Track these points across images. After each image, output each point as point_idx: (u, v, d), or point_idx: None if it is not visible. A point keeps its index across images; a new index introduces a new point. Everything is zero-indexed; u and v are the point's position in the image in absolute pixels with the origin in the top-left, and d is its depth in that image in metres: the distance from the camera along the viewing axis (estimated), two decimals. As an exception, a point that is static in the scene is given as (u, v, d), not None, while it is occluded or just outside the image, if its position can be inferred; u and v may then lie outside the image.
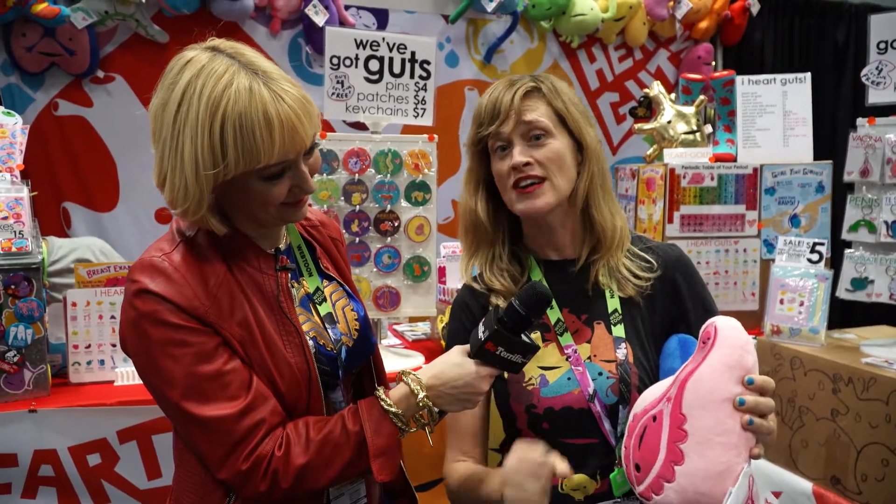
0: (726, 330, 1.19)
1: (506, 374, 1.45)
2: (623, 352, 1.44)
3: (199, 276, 1.23)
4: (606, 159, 1.54)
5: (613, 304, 1.48)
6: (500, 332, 1.25)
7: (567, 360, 1.45)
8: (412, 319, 3.13)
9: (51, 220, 3.67)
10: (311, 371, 1.29)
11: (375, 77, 2.63)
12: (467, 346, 1.31)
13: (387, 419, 1.26)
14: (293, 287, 1.36)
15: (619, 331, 1.46)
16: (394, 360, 2.56)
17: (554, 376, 1.44)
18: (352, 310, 1.46)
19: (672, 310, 1.50)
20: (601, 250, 1.50)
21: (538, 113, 1.44)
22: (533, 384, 1.45)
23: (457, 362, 1.29)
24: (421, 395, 1.27)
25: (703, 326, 1.23)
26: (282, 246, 1.38)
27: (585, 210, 1.51)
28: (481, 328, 1.29)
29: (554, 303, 1.49)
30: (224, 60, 1.20)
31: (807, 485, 2.30)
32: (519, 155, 1.43)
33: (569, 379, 1.43)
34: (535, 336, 1.46)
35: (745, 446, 1.15)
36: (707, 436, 1.14)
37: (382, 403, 1.27)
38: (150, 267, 1.22)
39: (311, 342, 1.31)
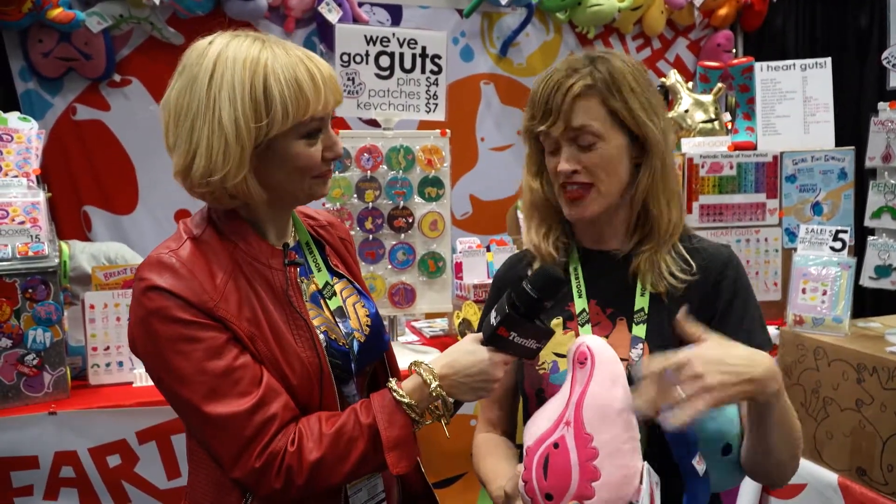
0: (599, 348, 1.24)
1: (547, 366, 1.43)
2: (638, 352, 1.39)
3: (207, 271, 1.22)
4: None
5: (641, 302, 1.42)
6: (512, 316, 1.23)
7: None
8: (429, 316, 3.10)
9: (72, 224, 3.72)
10: (322, 365, 1.28)
11: (386, 73, 2.63)
12: (478, 335, 1.29)
13: (400, 410, 1.24)
14: (302, 283, 1.35)
15: (639, 330, 1.41)
16: (410, 356, 2.43)
17: (565, 364, 1.37)
18: (363, 306, 1.44)
19: (707, 314, 1.40)
20: (649, 242, 1.44)
21: (590, 116, 1.36)
22: (544, 369, 1.43)
23: (469, 350, 1.27)
24: (433, 384, 1.24)
25: (575, 347, 1.25)
26: (290, 242, 1.37)
27: (643, 203, 1.44)
28: (493, 314, 1.26)
29: (583, 292, 1.46)
30: (247, 37, 1.25)
31: (832, 476, 2.27)
32: (565, 162, 1.37)
33: None
34: (556, 322, 1.45)
35: (638, 445, 1.22)
36: (616, 445, 1.19)
37: (395, 394, 1.25)
38: (158, 263, 1.21)
39: (321, 336, 1.30)
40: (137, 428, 2.15)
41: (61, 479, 2.10)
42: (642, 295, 1.43)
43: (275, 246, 1.33)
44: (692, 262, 1.43)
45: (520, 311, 1.24)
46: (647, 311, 1.41)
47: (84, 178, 3.78)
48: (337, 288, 1.42)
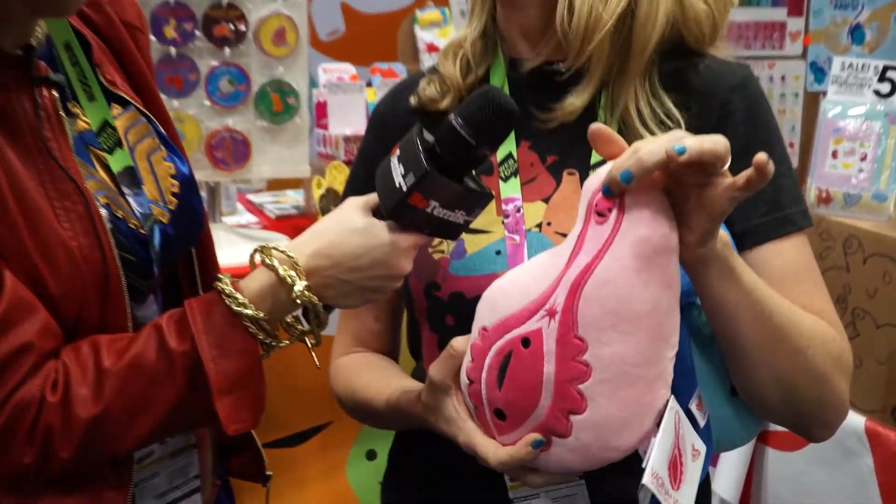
0: (636, 198, 0.87)
1: (446, 246, 1.17)
2: None
3: None
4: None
5: None
6: (433, 174, 0.90)
7: (503, 222, 1.16)
8: (274, 186, 2.66)
9: None
10: (106, 260, 0.93)
11: None
12: (370, 199, 0.97)
13: (238, 328, 0.92)
14: (63, 119, 1.00)
15: None
16: (243, 247, 1.93)
17: (476, 245, 1.17)
18: (164, 158, 1.09)
19: None
20: (614, 57, 1.14)
21: None
22: (442, 252, 1.19)
23: (357, 227, 0.95)
24: (298, 284, 0.92)
25: (596, 184, 0.89)
26: (34, 43, 0.97)
27: None
28: (399, 168, 0.94)
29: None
30: None
31: (858, 420, 1.93)
32: None
33: (497, 253, 1.16)
34: None
35: (670, 372, 0.90)
36: (622, 368, 0.88)
37: (229, 301, 0.92)
38: None
39: (104, 212, 0.95)
40: None
41: None
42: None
43: (8, 51, 0.95)
44: (686, 86, 1.17)
45: (444, 163, 0.91)
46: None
47: None
48: (121, 129, 1.04)
